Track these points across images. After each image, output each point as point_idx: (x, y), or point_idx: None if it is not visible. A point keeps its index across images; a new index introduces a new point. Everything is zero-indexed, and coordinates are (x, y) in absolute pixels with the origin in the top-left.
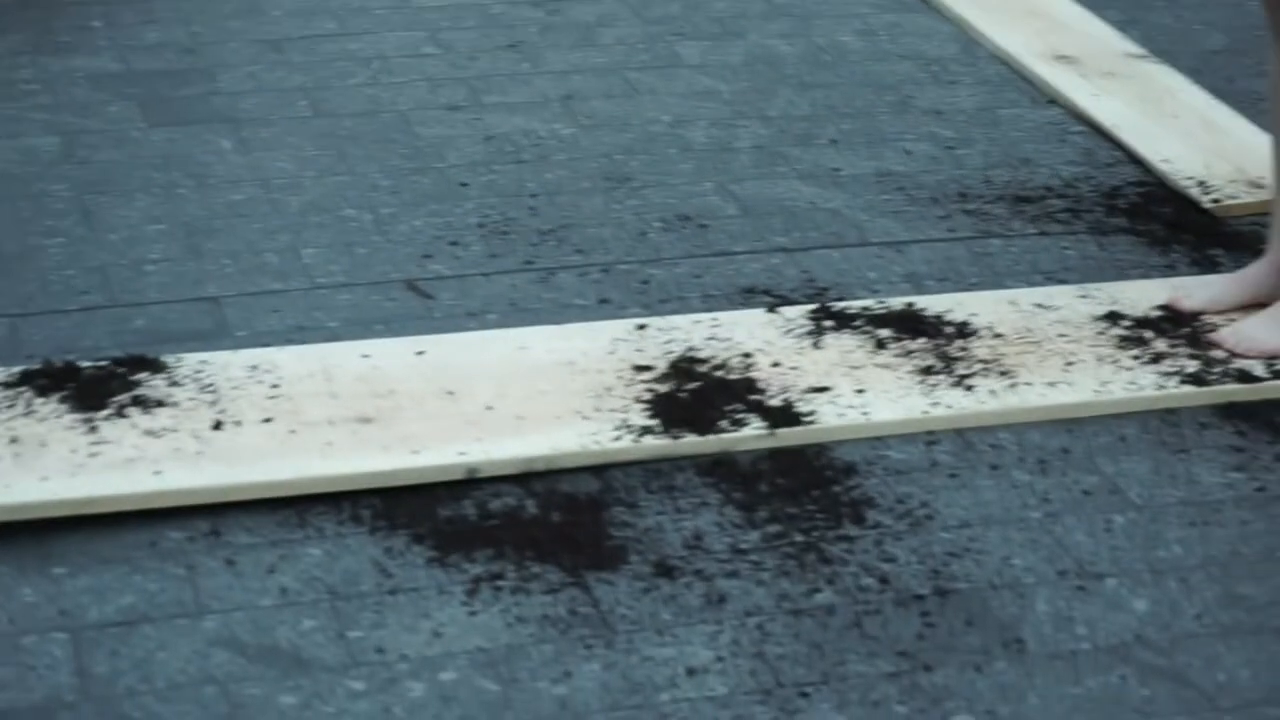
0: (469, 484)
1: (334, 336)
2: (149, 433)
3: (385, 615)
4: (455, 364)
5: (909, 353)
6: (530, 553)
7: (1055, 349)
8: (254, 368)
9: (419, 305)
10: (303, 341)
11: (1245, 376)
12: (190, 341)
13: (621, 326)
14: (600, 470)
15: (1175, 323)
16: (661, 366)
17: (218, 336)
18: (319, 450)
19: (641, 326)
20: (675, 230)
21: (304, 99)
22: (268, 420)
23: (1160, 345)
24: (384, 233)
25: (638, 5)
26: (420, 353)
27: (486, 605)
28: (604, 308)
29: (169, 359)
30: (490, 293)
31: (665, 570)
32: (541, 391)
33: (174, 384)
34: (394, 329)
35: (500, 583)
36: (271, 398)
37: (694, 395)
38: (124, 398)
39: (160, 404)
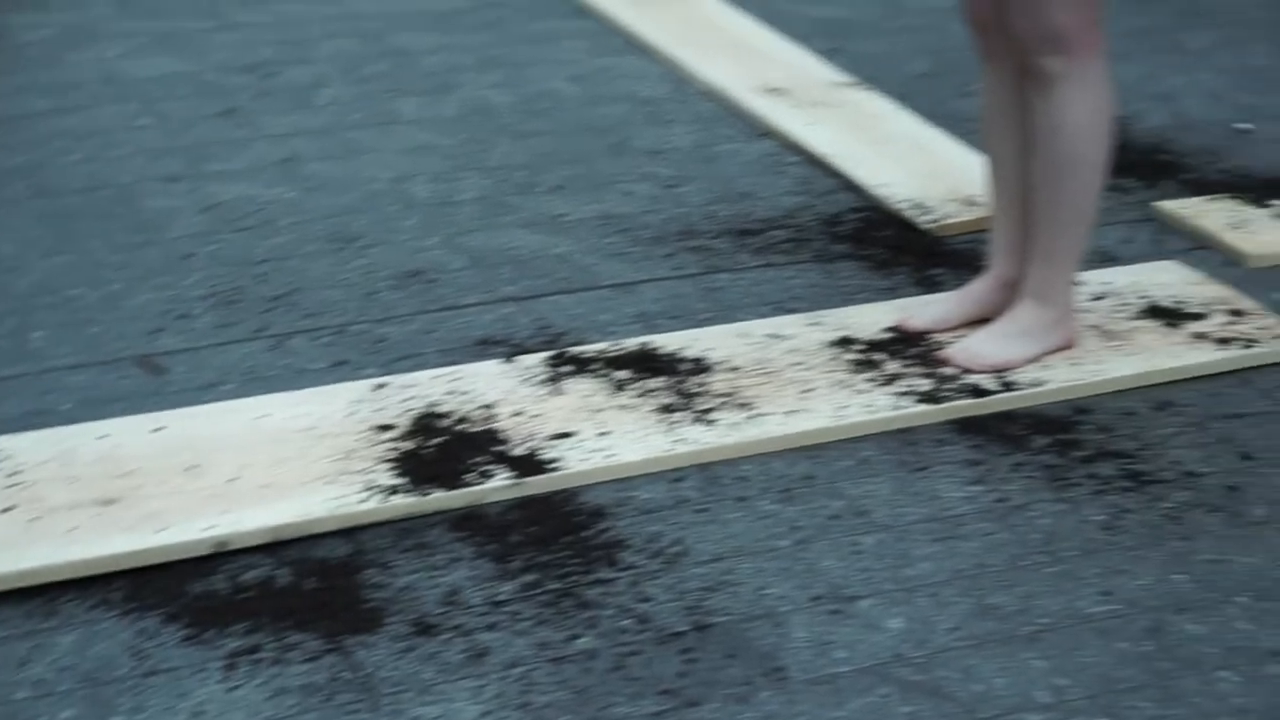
0: (219, 558)
1: (70, 419)
2: None
3: (144, 698)
4: (195, 438)
5: (648, 392)
6: (286, 622)
7: (791, 378)
8: None
9: (154, 381)
10: (38, 426)
11: (977, 391)
12: None
13: (360, 387)
14: (350, 533)
15: (905, 343)
16: (403, 424)
17: None
18: (63, 536)
19: (380, 386)
20: (405, 287)
21: (22, 179)
22: (8, 509)
23: (892, 367)
24: (113, 310)
25: (349, 65)
26: (159, 429)
27: (246, 679)
28: (340, 370)
29: None
30: (224, 363)
31: (424, 628)
32: (284, 459)
33: None
34: (130, 407)
35: (258, 655)
36: (10, 486)
37: (438, 450)
38: None
39: None
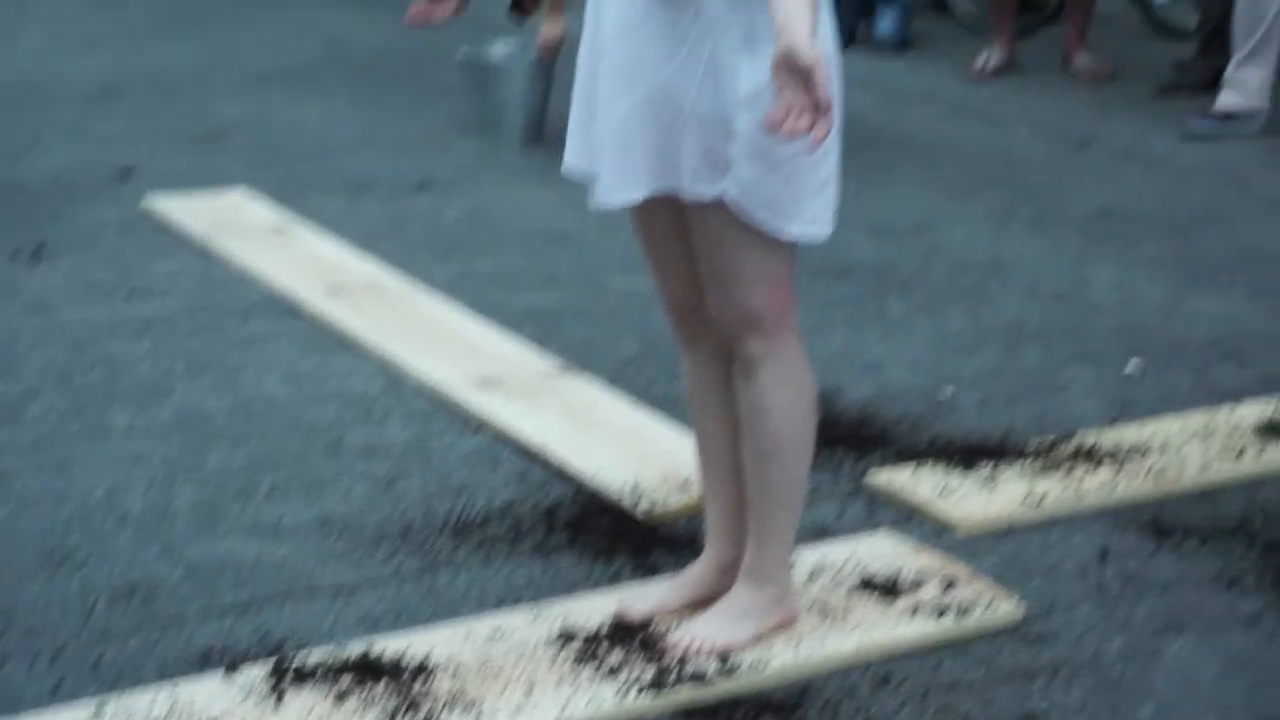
0: None
1: None
2: None
3: None
4: None
5: (372, 700)
6: None
7: (515, 675)
8: None
9: None
10: None
11: (700, 677)
12: None
13: (78, 713)
14: None
15: (627, 632)
16: None
17: None
18: None
19: (99, 710)
20: (122, 603)
21: None
22: None
23: (615, 657)
24: None
25: (59, 376)
26: None
27: None
28: (59, 693)
29: None
30: None
31: None
32: None
33: None
34: None
35: None
36: None
37: None
38: None
39: None
